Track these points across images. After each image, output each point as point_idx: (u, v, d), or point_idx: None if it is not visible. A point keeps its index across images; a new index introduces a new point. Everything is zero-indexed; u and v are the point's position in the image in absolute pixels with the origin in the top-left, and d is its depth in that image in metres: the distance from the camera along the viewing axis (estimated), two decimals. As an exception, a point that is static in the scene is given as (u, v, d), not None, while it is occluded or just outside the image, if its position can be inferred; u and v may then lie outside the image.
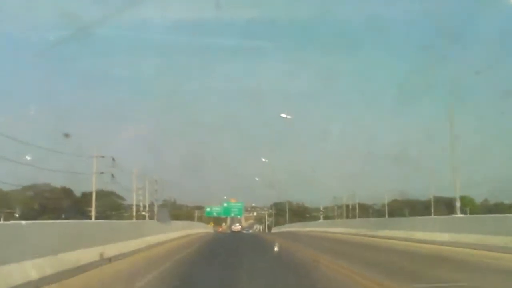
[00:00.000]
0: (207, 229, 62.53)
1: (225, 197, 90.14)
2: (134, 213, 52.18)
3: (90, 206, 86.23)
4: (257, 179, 74.99)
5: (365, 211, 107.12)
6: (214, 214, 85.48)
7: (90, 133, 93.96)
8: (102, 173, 42.55)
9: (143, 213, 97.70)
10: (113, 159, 42.99)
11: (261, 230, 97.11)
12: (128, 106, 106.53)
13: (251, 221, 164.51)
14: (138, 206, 75.20)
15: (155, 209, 60.23)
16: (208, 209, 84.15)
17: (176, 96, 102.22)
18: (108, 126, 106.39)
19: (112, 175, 43.49)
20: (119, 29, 71.87)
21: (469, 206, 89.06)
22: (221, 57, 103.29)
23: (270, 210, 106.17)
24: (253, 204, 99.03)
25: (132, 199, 65.66)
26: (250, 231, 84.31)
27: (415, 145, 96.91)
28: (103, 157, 42.49)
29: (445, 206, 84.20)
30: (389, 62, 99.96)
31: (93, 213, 43.04)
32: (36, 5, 72.00)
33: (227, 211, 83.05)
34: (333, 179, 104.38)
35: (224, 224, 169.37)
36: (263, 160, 62.69)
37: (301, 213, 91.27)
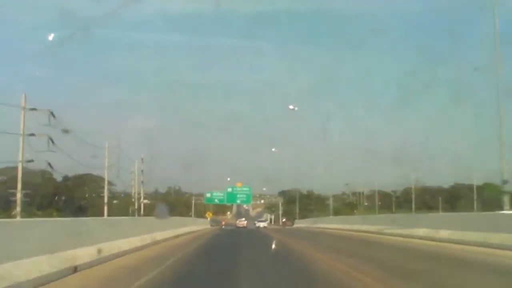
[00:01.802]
0: (200, 225, 44.38)
1: (228, 179, 75.03)
2: (105, 200, 40.28)
3: (74, 192, 75.66)
4: (274, 149, 62.96)
5: (386, 199, 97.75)
6: (216, 201, 67.47)
7: (91, 125, 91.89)
8: (32, 135, 29.85)
9: (145, 200, 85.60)
10: (52, 114, 30.27)
11: (280, 223, 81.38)
12: (130, 101, 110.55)
13: (259, 209, 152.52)
14: (128, 193, 64.13)
15: (142, 197, 48.98)
16: (208, 195, 66.25)
17: (178, 91, 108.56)
18: (111, 120, 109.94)
19: (50, 139, 30.88)
20: (119, 28, 73.79)
21: (495, 194, 79.32)
22: (221, 54, 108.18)
23: (277, 198, 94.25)
24: (264, 189, 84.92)
25: (128, 186, 54.13)
26: (265, 224, 66.57)
27: (427, 132, 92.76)
28: (35, 109, 29.83)
29: (467, 194, 77.80)
30: (390, 58, 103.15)
31: (18, 199, 30.61)
32: (36, 4, 78.06)
33: (231, 197, 65.68)
34: (340, 167, 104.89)
35: (229, 213, 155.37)
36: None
37: (318, 202, 78.59)
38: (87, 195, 75.15)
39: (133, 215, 51.51)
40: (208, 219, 62.96)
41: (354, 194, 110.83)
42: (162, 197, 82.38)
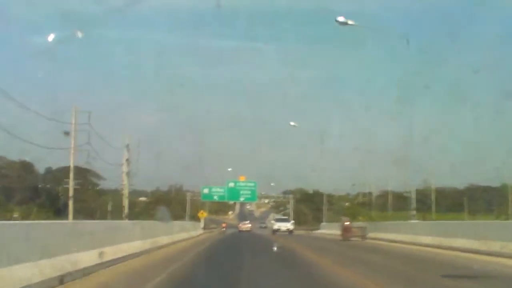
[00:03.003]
0: (186, 231, 29.69)
1: (229, 169, 66.55)
2: (70, 192, 31.95)
3: (57, 186, 68.21)
4: (293, 123, 49.30)
5: (401, 200, 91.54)
6: (215, 198, 55.58)
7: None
8: None
9: (143, 198, 77.48)
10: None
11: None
12: (131, 99, 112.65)
13: (264, 209, 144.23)
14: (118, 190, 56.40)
15: (126, 192, 41.03)
16: (205, 191, 53.92)
17: (179, 89, 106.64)
18: (111, 117, 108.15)
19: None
20: (118, 26, 77.71)
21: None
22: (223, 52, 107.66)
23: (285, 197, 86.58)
24: (272, 184, 75.89)
25: (118, 179, 45.71)
26: (289, 226, 42.68)
27: (434, 132, 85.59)
28: None
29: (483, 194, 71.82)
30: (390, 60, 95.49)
31: None
32: (35, 2, 75.35)
33: (233, 194, 53.85)
34: (343, 168, 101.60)
35: (230, 212, 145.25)
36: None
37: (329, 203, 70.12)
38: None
39: (115, 215, 43.62)
40: (201, 220, 50.51)
41: (364, 195, 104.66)
42: (163, 196, 75.76)
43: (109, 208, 50.99)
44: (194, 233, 32.40)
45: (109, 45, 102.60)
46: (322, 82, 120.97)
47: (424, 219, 47.31)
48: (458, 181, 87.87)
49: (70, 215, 30.03)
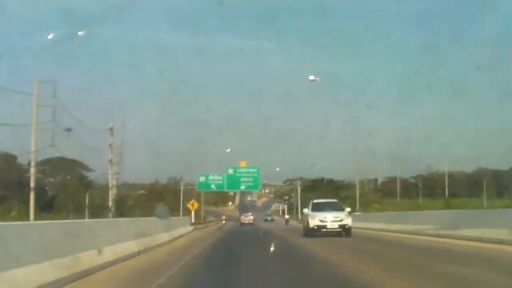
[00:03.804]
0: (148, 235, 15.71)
1: (228, 150, 64.43)
2: (31, 183, 26.26)
3: (42, 180, 63.63)
4: (312, 77, 41.36)
5: (406, 186, 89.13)
6: (213, 187, 46.94)
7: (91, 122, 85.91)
8: None
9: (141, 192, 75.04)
10: None
11: None
12: (131, 98, 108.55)
13: (265, 199, 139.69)
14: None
15: (110, 184, 36.17)
16: (201, 179, 46.25)
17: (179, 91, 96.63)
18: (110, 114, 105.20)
19: None
20: (121, 26, 72.96)
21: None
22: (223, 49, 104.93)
23: (287, 187, 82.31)
24: (277, 169, 70.78)
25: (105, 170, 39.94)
26: (344, 220, 21.22)
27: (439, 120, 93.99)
28: None
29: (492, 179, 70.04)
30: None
31: None
32: (37, 2, 72.88)
33: (233, 182, 46.08)
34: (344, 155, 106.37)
35: (230, 203, 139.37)
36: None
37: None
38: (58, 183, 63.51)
39: (104, 209, 38.79)
40: (192, 212, 41.80)
41: (369, 181, 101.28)
42: (157, 188, 71.62)
43: (91, 203, 46.25)
44: (165, 237, 19.02)
45: (110, 42, 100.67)
46: (324, 78, 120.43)
47: None
48: (463, 166, 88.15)
49: (32, 212, 24.90)
